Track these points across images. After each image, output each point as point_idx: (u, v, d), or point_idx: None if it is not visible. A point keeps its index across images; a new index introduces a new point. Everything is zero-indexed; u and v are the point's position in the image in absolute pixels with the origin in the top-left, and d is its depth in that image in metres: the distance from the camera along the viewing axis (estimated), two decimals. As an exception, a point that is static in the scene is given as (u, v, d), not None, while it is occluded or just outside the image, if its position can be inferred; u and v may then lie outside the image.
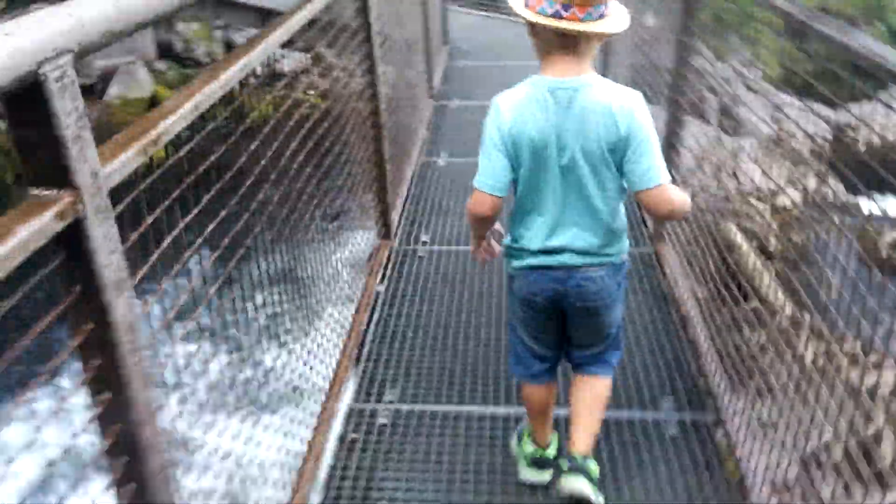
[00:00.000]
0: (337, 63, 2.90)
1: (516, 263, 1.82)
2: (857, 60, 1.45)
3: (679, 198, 1.67)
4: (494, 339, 2.70)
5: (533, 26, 1.61)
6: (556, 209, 1.71)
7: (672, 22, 2.97)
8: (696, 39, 2.78)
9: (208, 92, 1.31)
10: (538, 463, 2.06)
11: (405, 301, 2.96)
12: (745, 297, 2.49)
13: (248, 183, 1.71)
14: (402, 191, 3.77)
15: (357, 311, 2.77)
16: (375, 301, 2.94)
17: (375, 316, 2.86)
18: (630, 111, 1.61)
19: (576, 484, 1.86)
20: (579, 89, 1.62)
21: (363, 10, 2.92)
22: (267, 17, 7.85)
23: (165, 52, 11.45)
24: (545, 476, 2.05)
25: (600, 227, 1.72)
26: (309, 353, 2.20)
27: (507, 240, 1.86)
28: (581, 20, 1.54)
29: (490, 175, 1.70)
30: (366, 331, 2.74)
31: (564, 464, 1.93)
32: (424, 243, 3.41)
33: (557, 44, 1.60)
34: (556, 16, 1.55)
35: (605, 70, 4.61)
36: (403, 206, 3.71)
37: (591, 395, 1.92)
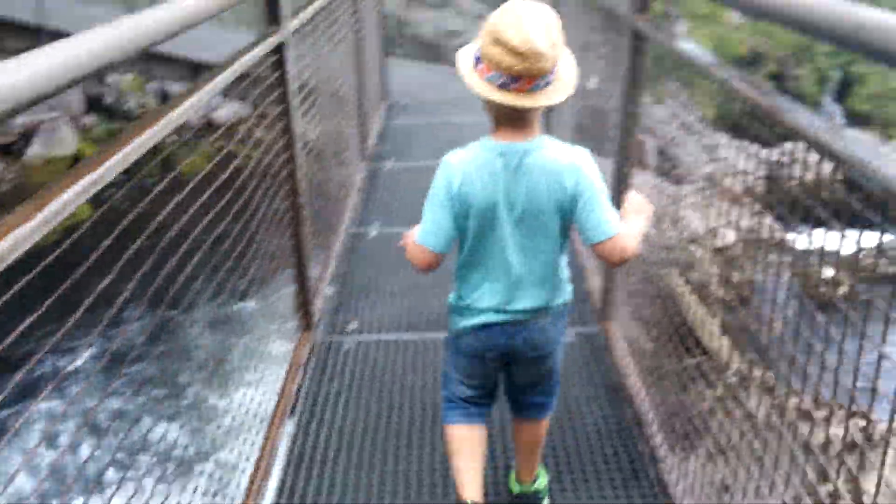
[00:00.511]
0: (249, 121, 2.53)
1: (464, 323, 1.84)
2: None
3: (632, 245, 1.69)
4: (431, 446, 2.31)
5: (490, 105, 1.63)
6: (505, 268, 1.75)
7: (615, 72, 2.76)
8: (640, 88, 2.52)
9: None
10: None
11: (327, 407, 2.53)
12: (690, 352, 2.35)
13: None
14: (327, 271, 3.36)
15: (270, 425, 2.34)
16: (293, 409, 2.52)
17: (290, 429, 2.43)
18: (577, 168, 1.65)
19: None
20: (529, 151, 1.66)
21: (279, 63, 2.57)
22: (198, 71, 7.44)
23: (95, 105, 10.91)
24: None
25: (549, 280, 1.78)
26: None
27: (451, 298, 1.89)
28: (528, 91, 1.56)
29: (433, 232, 1.72)
30: (279, 452, 2.31)
31: (518, 491, 2.13)
32: (352, 332, 3.00)
33: (506, 112, 1.62)
34: (504, 87, 1.56)
35: (548, 117, 4.35)
36: (328, 287, 3.30)
37: (533, 439, 2.05)
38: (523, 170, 1.66)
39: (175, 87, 11.65)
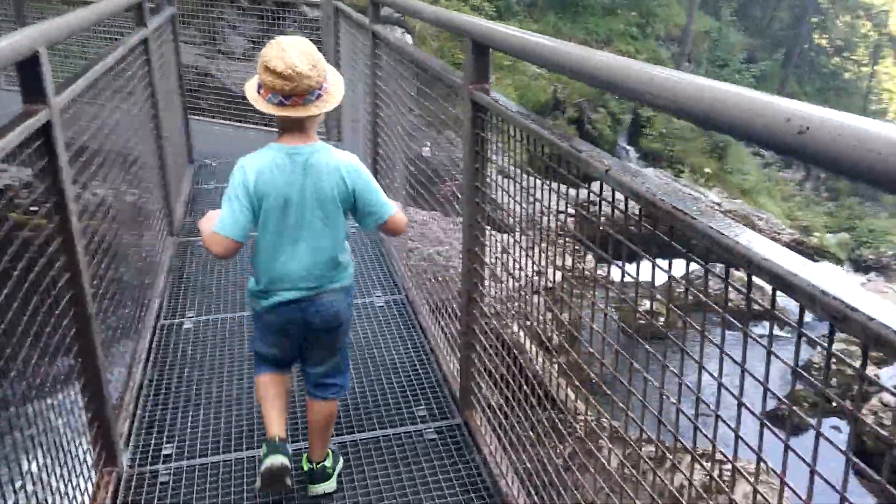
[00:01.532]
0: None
1: (265, 303, 2.16)
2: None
3: (404, 217, 2.22)
4: None
5: (280, 119, 2.02)
6: (295, 253, 2.08)
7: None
8: (484, 158, 2.34)
9: None
10: (272, 447, 2.19)
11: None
12: (542, 406, 2.27)
13: None
14: (133, 380, 2.82)
15: None
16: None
17: None
18: (355, 167, 2.09)
19: (320, 487, 2.35)
20: (312, 153, 2.05)
21: (49, 146, 2.08)
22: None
23: None
24: (283, 459, 2.17)
25: (334, 261, 2.14)
26: None
27: (251, 284, 2.21)
28: (302, 104, 1.97)
29: (232, 223, 2.01)
30: None
31: (309, 468, 2.36)
32: (167, 459, 2.49)
33: (289, 122, 2.02)
34: (282, 104, 1.96)
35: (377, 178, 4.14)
36: (135, 402, 2.74)
37: (323, 418, 2.33)
38: (309, 169, 2.04)
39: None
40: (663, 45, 19.97)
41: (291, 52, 1.92)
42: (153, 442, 2.56)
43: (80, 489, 2.09)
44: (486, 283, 2.43)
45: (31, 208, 2.05)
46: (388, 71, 4.12)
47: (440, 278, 3.36)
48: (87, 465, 2.21)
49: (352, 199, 2.08)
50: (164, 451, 2.50)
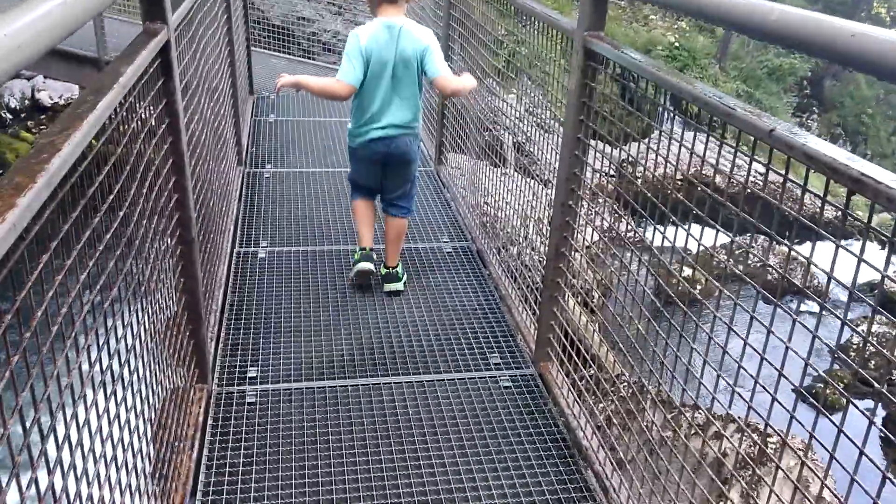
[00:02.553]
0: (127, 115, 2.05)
1: (359, 140, 3.03)
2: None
3: (455, 81, 2.94)
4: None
5: None
6: (385, 99, 2.93)
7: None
8: (591, 114, 2.33)
9: None
10: (365, 258, 3.14)
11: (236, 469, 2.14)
12: (587, 365, 2.40)
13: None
14: (216, 303, 2.90)
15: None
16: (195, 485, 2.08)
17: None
18: (429, 39, 2.94)
19: (392, 286, 3.17)
20: (402, 27, 2.90)
21: (166, 65, 2.11)
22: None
23: None
24: (370, 265, 3.13)
25: (410, 111, 2.99)
26: None
27: (350, 125, 3.08)
28: None
29: (351, 73, 2.88)
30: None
31: (384, 273, 3.20)
32: (252, 381, 2.58)
33: (386, 3, 2.91)
34: None
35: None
36: (219, 326, 2.83)
37: (396, 231, 3.19)
38: (400, 36, 2.89)
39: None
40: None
41: None
42: (238, 364, 2.65)
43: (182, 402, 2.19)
44: (577, 237, 2.44)
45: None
46: (462, 22, 4.07)
47: (498, 229, 3.39)
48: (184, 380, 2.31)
49: (423, 59, 2.91)
50: (249, 374, 2.60)
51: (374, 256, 3.17)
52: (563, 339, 2.53)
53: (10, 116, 10.19)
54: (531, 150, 3.28)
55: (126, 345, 1.70)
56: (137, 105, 1.87)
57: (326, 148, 4.84)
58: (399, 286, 3.16)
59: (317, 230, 3.71)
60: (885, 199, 1.17)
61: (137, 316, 1.81)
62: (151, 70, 2.01)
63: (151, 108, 2.10)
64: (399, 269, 3.18)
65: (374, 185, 3.16)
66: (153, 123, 2.08)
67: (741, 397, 1.53)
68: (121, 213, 1.68)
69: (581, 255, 2.53)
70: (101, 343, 1.45)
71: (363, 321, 2.96)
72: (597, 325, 2.86)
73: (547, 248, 2.62)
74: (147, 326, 1.90)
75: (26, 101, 10.51)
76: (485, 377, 2.67)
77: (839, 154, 1.30)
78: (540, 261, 3.00)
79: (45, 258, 1.19)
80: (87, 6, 1.32)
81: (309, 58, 9.61)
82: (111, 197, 1.59)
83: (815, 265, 1.39)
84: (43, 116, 10.38)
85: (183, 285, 2.32)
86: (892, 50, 1.16)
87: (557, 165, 2.49)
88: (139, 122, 1.90)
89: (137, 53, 1.84)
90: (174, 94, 2.18)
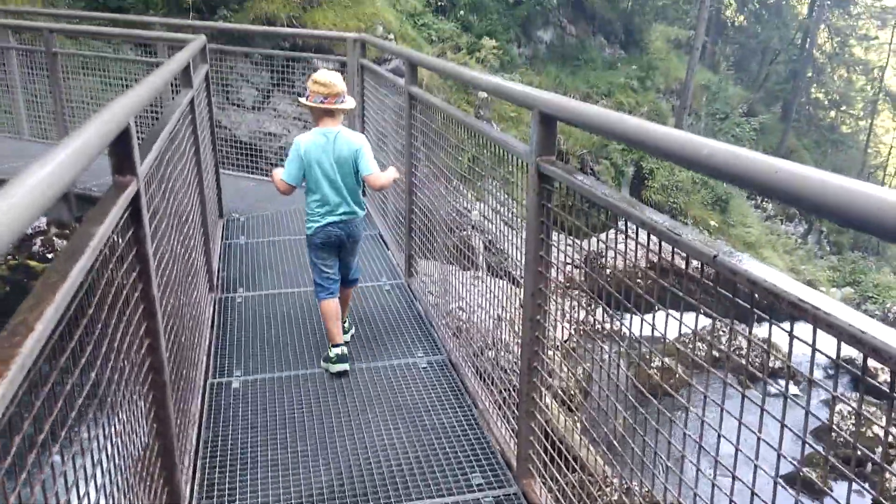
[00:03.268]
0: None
1: (315, 225, 3.63)
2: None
3: (382, 178, 3.62)
4: None
5: (312, 109, 3.59)
6: (332, 193, 3.57)
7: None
8: (549, 229, 2.43)
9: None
10: (340, 359, 3.58)
11: None
12: (570, 468, 2.38)
13: None
14: (189, 442, 2.85)
15: None
16: None
17: None
18: (358, 145, 3.58)
19: (346, 336, 3.90)
20: (338, 133, 3.57)
21: (136, 214, 2.16)
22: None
23: None
24: (344, 366, 3.58)
25: (355, 198, 3.63)
26: None
27: (307, 221, 3.69)
28: (334, 103, 3.55)
29: (291, 174, 3.57)
30: None
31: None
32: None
33: (324, 114, 3.58)
34: (322, 102, 3.54)
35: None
36: (194, 466, 2.77)
37: (347, 298, 3.91)
38: (336, 142, 3.54)
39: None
40: (663, 97, 20.39)
41: (329, 74, 3.59)
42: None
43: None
44: (549, 352, 2.49)
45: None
46: (423, 131, 4.26)
47: (471, 336, 3.42)
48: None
49: (355, 159, 3.54)
50: (226, 516, 2.53)
51: (342, 354, 3.62)
52: (545, 448, 2.52)
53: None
54: (500, 247, 3.37)
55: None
56: (109, 262, 1.91)
57: (297, 266, 4.90)
58: (347, 337, 3.90)
59: (290, 354, 3.71)
60: (824, 324, 1.24)
61: (109, 475, 1.78)
62: (121, 223, 2.07)
63: (122, 258, 2.14)
64: (347, 323, 3.98)
65: (334, 269, 3.69)
66: (123, 274, 2.12)
67: (721, 491, 1.54)
68: (92, 375, 1.69)
69: (555, 354, 2.58)
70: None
71: (341, 448, 2.93)
72: (578, 424, 2.85)
73: (519, 356, 2.65)
74: (119, 484, 1.87)
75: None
76: (468, 500, 2.63)
77: (781, 279, 1.38)
78: (516, 362, 3.03)
79: (17, 440, 1.20)
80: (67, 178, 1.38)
81: (265, 176, 9.83)
82: (83, 360, 1.61)
83: (774, 351, 1.45)
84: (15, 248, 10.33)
85: (155, 430, 2.30)
86: (809, 185, 1.26)
87: (523, 276, 2.57)
88: (110, 277, 1.94)
89: (107, 212, 1.89)
90: (144, 241, 2.23)
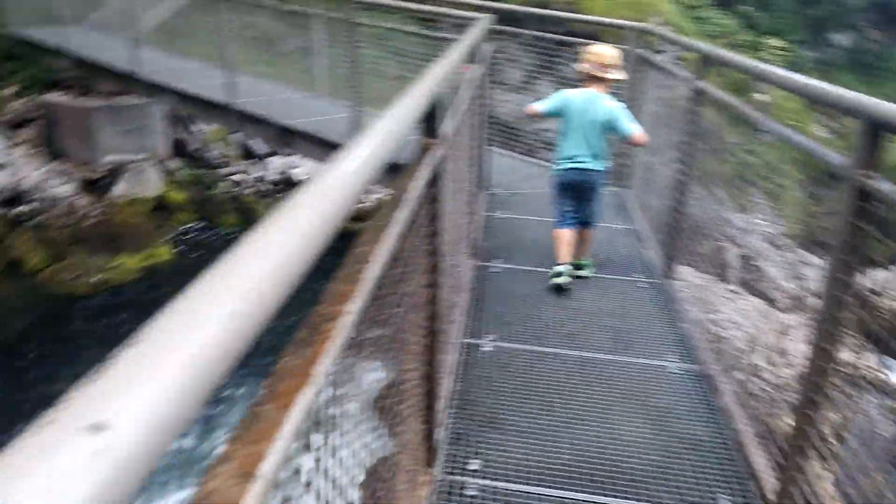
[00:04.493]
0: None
1: (559, 168, 4.32)
2: None
3: (644, 136, 4.22)
4: None
5: (582, 74, 4.24)
6: (578, 143, 4.18)
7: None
8: (864, 256, 2.18)
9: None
10: (557, 274, 4.24)
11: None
12: None
13: None
14: (443, 392, 3.05)
15: None
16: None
17: None
18: (618, 106, 4.16)
19: (577, 272, 4.46)
20: (599, 97, 4.16)
21: (434, 179, 2.34)
22: (287, 135, 7.39)
23: (180, 150, 11.05)
24: (564, 278, 4.24)
25: (595, 154, 4.21)
26: None
27: (553, 166, 4.44)
28: (600, 73, 4.19)
29: (545, 105, 4.30)
30: None
31: (574, 264, 4.39)
32: (475, 473, 2.66)
33: (591, 79, 4.20)
34: (591, 70, 4.20)
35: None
36: (445, 414, 2.96)
37: (585, 238, 4.46)
38: (595, 103, 4.12)
39: (258, 145, 11.81)
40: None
41: (602, 47, 4.26)
42: (460, 455, 2.74)
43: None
44: (834, 390, 2.25)
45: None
46: (704, 129, 4.05)
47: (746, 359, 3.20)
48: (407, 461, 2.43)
49: (609, 125, 4.12)
50: (471, 466, 2.67)
51: (568, 271, 4.26)
52: (814, 493, 2.30)
53: (271, 187, 11.73)
54: (755, 263, 3.12)
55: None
56: (416, 216, 2.09)
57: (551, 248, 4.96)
58: (583, 273, 4.48)
59: (542, 330, 3.78)
60: None
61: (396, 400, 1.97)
62: (427, 180, 2.25)
63: (421, 213, 2.33)
64: (585, 260, 4.51)
65: (572, 208, 4.28)
66: (423, 228, 2.31)
67: None
68: (396, 311, 1.87)
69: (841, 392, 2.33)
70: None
71: (584, 432, 2.93)
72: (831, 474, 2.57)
73: (797, 387, 2.44)
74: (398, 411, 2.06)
75: (282, 176, 12.06)
76: (713, 520, 2.49)
77: None
78: (785, 400, 2.79)
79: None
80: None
81: (530, 155, 10.02)
82: (394, 295, 1.78)
83: None
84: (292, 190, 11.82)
85: (423, 372, 2.48)
86: None
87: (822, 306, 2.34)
88: (415, 229, 2.12)
89: (418, 169, 2.07)
90: (439, 200, 2.40)
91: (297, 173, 12.17)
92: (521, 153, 9.17)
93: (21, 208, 8.92)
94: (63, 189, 9.42)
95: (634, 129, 4.12)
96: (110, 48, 8.53)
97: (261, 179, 11.86)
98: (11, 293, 7.96)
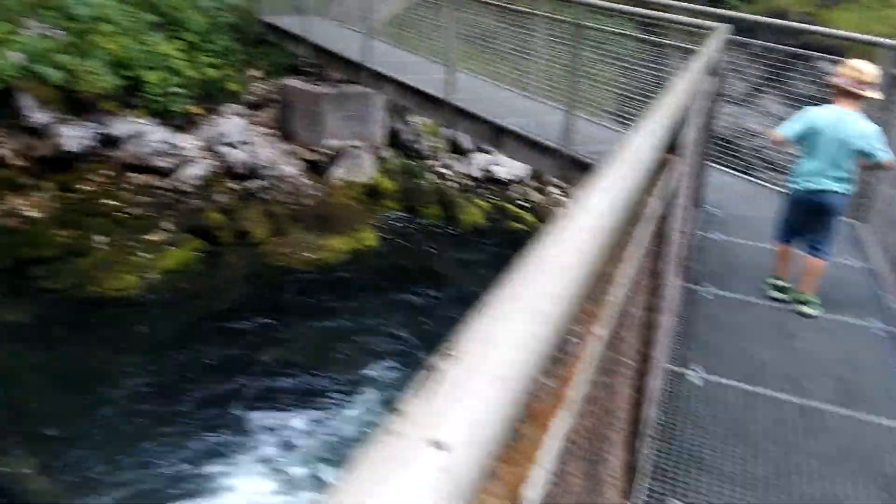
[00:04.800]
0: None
1: (794, 186, 4.06)
2: None
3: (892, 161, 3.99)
4: None
5: (837, 88, 3.93)
6: (821, 163, 3.89)
7: None
8: None
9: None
10: (778, 287, 4.23)
11: None
12: None
13: None
14: (648, 420, 2.90)
15: None
16: None
17: None
18: (872, 131, 3.87)
19: (801, 307, 4.10)
20: (851, 116, 3.87)
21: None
22: (499, 133, 7.48)
23: (394, 140, 11.67)
24: (783, 294, 4.21)
25: (839, 176, 3.90)
26: None
27: (792, 176, 4.12)
28: (859, 89, 3.85)
29: (790, 129, 4.00)
30: None
31: (794, 296, 4.17)
32: (673, 511, 2.50)
33: (844, 95, 3.89)
34: (849, 85, 3.88)
35: None
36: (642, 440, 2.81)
37: (813, 269, 4.09)
38: (846, 122, 3.83)
39: (465, 140, 12.14)
40: None
41: (864, 63, 3.89)
42: (658, 490, 2.58)
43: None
44: None
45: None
46: None
47: None
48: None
49: (860, 148, 3.82)
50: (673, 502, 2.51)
51: (785, 286, 4.19)
52: None
53: (472, 183, 12.03)
54: None
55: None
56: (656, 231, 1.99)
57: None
58: (807, 310, 4.07)
59: (756, 368, 3.47)
60: None
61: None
62: (665, 196, 2.14)
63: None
64: (810, 296, 4.09)
65: (796, 227, 4.08)
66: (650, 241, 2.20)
67: None
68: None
69: None
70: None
71: (799, 488, 2.65)
72: None
73: None
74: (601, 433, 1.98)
75: (484, 173, 12.30)
76: None
77: None
78: None
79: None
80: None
81: (747, 173, 9.28)
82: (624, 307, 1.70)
83: None
84: (495, 188, 12.05)
85: (631, 398, 2.37)
86: None
87: None
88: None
89: (658, 181, 1.96)
90: (667, 217, 2.27)
91: (498, 171, 12.35)
92: (738, 170, 8.55)
93: (254, 183, 9.92)
94: (290, 168, 10.34)
95: (888, 156, 3.85)
96: (344, 39, 9.21)
97: (464, 174, 12.19)
98: (238, 261, 8.88)
